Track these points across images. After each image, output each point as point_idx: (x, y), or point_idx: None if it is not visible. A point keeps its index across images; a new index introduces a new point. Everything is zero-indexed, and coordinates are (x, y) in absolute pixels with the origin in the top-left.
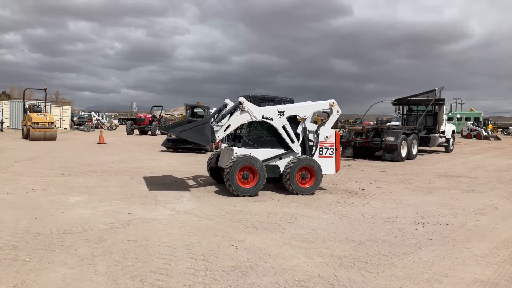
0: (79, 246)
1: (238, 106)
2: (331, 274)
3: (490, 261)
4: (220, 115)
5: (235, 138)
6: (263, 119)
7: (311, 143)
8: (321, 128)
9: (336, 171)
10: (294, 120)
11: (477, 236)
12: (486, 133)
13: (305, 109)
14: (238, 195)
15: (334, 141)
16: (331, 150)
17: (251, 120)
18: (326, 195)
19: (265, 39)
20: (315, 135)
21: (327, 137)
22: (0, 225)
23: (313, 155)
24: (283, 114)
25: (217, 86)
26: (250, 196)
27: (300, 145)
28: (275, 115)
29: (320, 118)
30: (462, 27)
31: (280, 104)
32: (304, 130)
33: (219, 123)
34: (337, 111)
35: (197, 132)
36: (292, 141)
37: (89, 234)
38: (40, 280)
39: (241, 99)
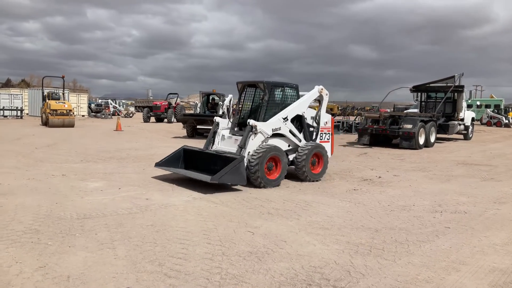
0: (99, 231)
1: (252, 131)
2: (347, 261)
3: (509, 250)
4: (239, 148)
5: (239, 124)
6: (274, 132)
7: (311, 129)
8: (320, 114)
9: (331, 155)
10: (297, 118)
11: (496, 224)
12: (507, 121)
13: (301, 106)
14: (264, 187)
15: (330, 126)
16: (328, 135)
17: (263, 138)
18: (342, 183)
19: (283, 25)
20: (315, 122)
21: (326, 122)
22: (23, 210)
23: (314, 141)
24: (287, 119)
25: (233, 73)
26: (273, 187)
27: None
28: (281, 124)
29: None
30: (486, 11)
31: (285, 89)
32: (303, 120)
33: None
34: (326, 94)
35: (234, 173)
36: (299, 140)
37: (108, 219)
38: (62, 263)
39: (252, 122)
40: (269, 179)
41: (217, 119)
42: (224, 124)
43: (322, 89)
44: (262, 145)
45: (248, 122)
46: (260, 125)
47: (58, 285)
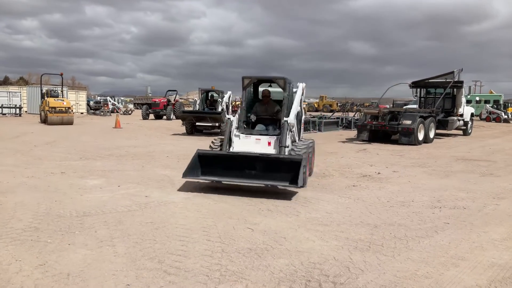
0: (98, 228)
1: (287, 127)
2: (346, 257)
3: (508, 245)
4: (283, 147)
5: (248, 124)
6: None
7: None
8: (302, 111)
9: None
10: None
11: (495, 220)
12: (506, 116)
13: (301, 102)
14: (304, 187)
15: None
16: (302, 131)
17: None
18: (341, 179)
19: (282, 21)
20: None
21: (303, 119)
22: (22, 208)
23: (299, 137)
24: (296, 116)
25: (232, 70)
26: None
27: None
28: (294, 121)
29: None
30: (486, 7)
31: (291, 85)
32: (300, 117)
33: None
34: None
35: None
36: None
37: (108, 217)
38: (61, 261)
39: (290, 120)
40: (306, 176)
41: (231, 117)
42: (235, 123)
43: (304, 85)
44: (303, 142)
45: (286, 120)
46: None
47: (58, 283)
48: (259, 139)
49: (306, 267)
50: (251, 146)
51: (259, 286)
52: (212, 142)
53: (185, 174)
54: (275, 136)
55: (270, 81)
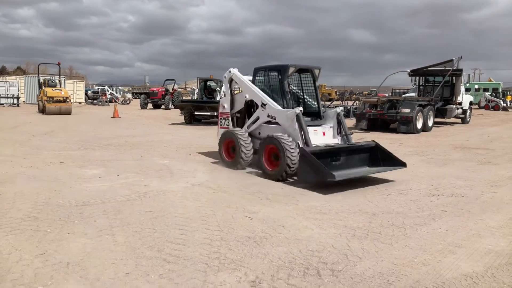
0: (97, 218)
1: (342, 116)
2: (344, 244)
3: (505, 232)
4: (349, 136)
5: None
6: None
7: None
8: None
9: None
10: None
11: (493, 208)
12: (505, 104)
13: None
14: None
15: None
16: None
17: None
18: None
19: (281, 8)
20: None
21: None
22: (21, 198)
23: None
24: None
25: (231, 59)
26: None
27: None
28: None
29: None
30: None
31: None
32: None
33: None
34: None
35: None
36: None
37: (107, 206)
38: (61, 250)
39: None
40: None
41: (301, 109)
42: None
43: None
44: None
45: (342, 110)
46: None
47: (58, 272)
48: (316, 130)
49: (304, 254)
50: (313, 138)
51: (257, 273)
52: (282, 141)
53: (336, 176)
54: (326, 126)
55: (308, 69)
